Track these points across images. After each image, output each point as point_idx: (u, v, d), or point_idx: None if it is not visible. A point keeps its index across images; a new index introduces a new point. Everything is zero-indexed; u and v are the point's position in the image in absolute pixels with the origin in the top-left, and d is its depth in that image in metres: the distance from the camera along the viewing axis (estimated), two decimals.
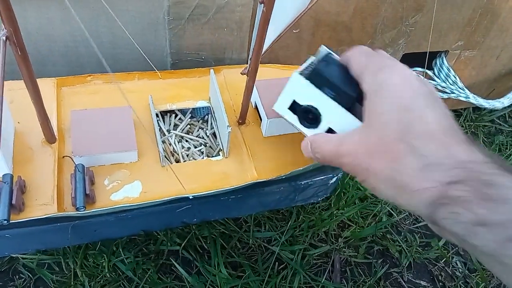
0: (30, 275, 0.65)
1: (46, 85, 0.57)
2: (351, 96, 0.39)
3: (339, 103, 0.39)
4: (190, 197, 0.50)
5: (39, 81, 0.53)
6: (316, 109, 0.40)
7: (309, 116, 0.42)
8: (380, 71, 0.35)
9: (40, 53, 0.63)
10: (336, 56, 0.43)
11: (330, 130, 0.43)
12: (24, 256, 0.65)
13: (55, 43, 0.63)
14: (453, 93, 0.90)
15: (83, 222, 0.56)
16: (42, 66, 0.64)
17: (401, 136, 0.32)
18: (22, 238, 0.57)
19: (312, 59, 0.45)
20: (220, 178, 0.53)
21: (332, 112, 0.40)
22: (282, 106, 0.43)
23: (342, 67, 0.41)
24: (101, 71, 0.63)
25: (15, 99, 0.54)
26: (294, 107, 0.42)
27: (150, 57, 0.66)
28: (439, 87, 0.89)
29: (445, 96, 0.89)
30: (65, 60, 0.65)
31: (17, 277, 0.65)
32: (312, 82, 0.39)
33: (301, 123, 0.44)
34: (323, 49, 0.46)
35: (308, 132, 0.44)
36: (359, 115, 0.40)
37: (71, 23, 0.61)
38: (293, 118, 0.43)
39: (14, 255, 0.65)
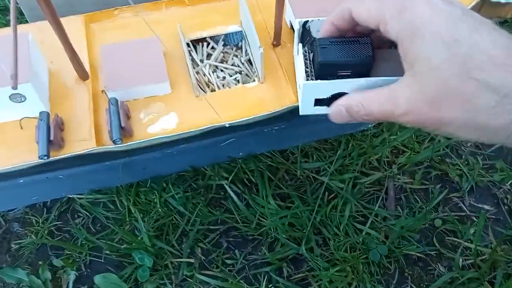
0: (88, 214, 0.68)
1: (75, 23, 0.56)
2: (368, 60, 0.35)
3: (360, 75, 0.35)
4: (227, 125, 0.49)
5: (67, 19, 0.52)
6: (341, 93, 0.37)
7: (337, 98, 0.38)
8: (403, 11, 0.30)
9: None
10: (324, 30, 0.37)
11: None
12: (80, 196, 0.68)
13: None
14: None
15: (131, 160, 0.57)
16: (70, 6, 0.63)
17: (464, 74, 0.28)
18: (75, 178, 0.59)
19: (302, 53, 0.39)
20: (256, 104, 0.51)
21: (359, 87, 0.35)
22: (307, 109, 0.40)
23: (337, 38, 0.36)
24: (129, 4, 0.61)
25: (46, 40, 0.53)
26: (319, 103, 0.39)
27: None
28: None
29: (502, 0, 0.78)
30: None
31: (76, 216, 0.68)
32: (323, 78, 0.36)
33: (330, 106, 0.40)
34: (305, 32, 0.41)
35: None
36: (385, 69, 0.36)
37: None
38: (322, 109, 0.40)
39: (71, 196, 0.68)
